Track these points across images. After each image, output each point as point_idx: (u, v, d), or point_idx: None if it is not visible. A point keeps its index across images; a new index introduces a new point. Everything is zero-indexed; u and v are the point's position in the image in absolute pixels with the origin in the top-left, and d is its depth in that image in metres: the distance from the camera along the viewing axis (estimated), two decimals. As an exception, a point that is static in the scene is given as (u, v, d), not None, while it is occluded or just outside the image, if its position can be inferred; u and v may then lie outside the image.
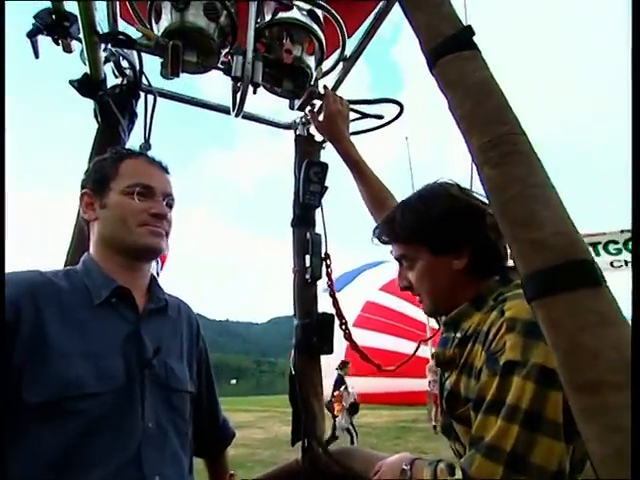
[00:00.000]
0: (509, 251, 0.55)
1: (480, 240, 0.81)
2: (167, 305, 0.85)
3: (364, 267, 16.70)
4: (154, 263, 0.93)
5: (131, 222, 0.79)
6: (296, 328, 1.34)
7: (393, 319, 13.45)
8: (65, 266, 0.95)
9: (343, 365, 7.39)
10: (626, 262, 6.28)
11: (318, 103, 1.31)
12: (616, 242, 6.35)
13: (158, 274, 1.65)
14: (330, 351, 1.32)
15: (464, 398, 0.79)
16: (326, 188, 1.37)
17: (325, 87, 1.28)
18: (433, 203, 0.83)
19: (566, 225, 0.49)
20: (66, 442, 0.61)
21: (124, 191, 0.80)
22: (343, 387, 7.19)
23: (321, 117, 1.29)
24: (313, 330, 1.31)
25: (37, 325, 0.65)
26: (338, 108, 1.25)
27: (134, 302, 0.77)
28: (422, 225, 0.83)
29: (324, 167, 1.35)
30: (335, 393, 7.16)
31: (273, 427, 8.54)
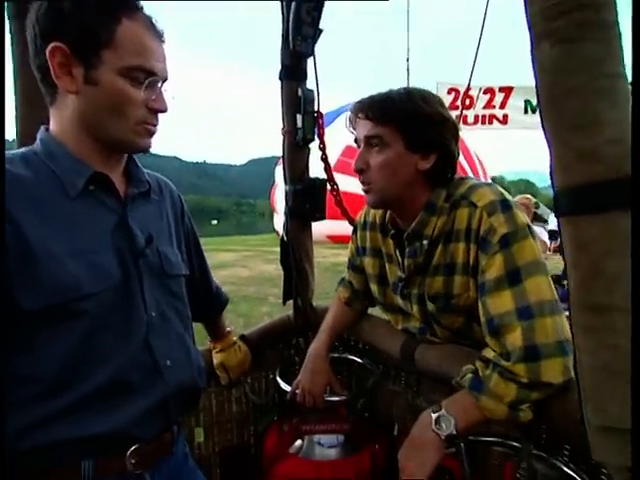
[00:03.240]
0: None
1: (446, 150, 0.87)
2: (150, 188, 0.76)
3: (344, 107, 15.89)
4: None
5: (130, 116, 0.64)
6: (287, 194, 1.30)
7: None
8: (19, 143, 0.80)
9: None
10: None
11: None
12: None
13: None
14: (322, 217, 1.32)
15: (445, 293, 0.89)
16: (321, 31, 1.16)
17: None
18: (424, 103, 0.85)
19: (627, 132, 0.41)
20: (75, 341, 0.61)
21: (123, 71, 0.62)
22: None
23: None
24: (305, 196, 1.28)
25: (15, 227, 0.57)
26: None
27: (114, 188, 0.69)
28: (409, 117, 0.84)
29: (319, 4, 1.11)
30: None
31: (256, 266, 9.28)
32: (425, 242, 0.89)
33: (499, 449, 0.81)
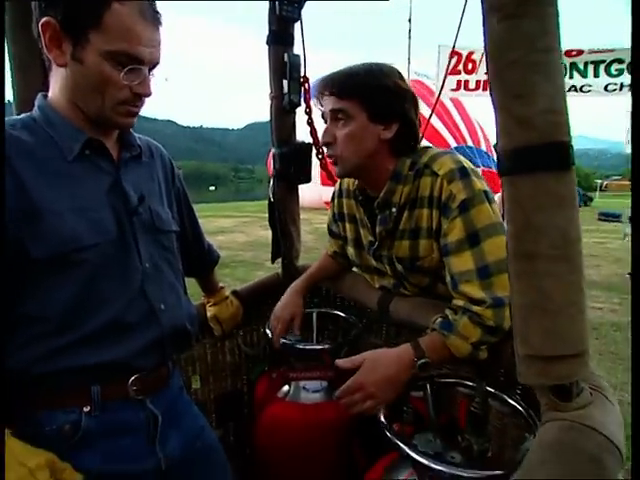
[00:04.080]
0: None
1: (407, 119, 0.93)
2: (141, 151, 0.82)
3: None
4: None
5: (109, 97, 0.68)
6: (273, 156, 1.35)
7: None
8: (17, 108, 0.84)
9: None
10: (622, 86, 6.10)
11: None
12: (621, 61, 6.01)
13: None
14: (307, 180, 1.37)
15: (411, 256, 0.97)
16: (307, -5, 1.17)
17: None
18: (384, 76, 0.92)
19: (560, 102, 0.47)
20: (76, 288, 0.68)
21: (107, 55, 0.65)
22: None
23: None
24: (291, 159, 1.33)
25: (20, 186, 0.64)
26: None
27: (108, 152, 0.74)
28: (371, 90, 0.90)
29: (306, -33, 1.11)
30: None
31: (253, 231, 9.36)
32: (394, 209, 0.96)
33: (459, 389, 0.91)
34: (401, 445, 0.72)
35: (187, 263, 0.93)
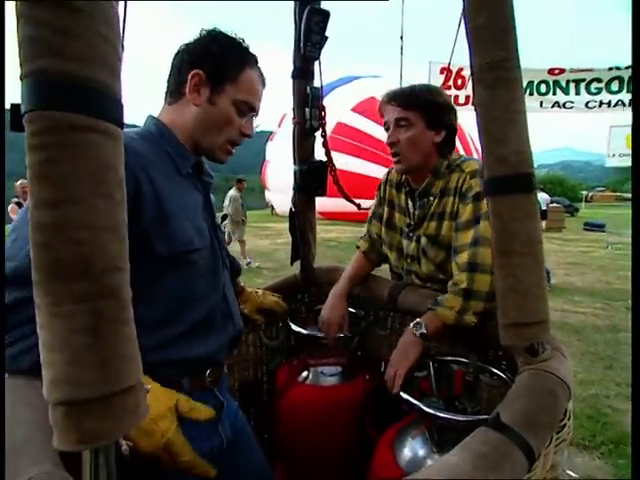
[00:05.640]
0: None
1: (452, 127, 1.22)
2: (213, 179, 0.99)
3: (337, 82, 15.86)
4: None
5: (225, 134, 0.87)
6: (295, 173, 1.55)
7: (362, 141, 13.74)
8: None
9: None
10: (601, 103, 6.46)
11: None
12: (600, 80, 6.38)
13: None
14: (323, 193, 1.57)
15: (435, 234, 1.22)
16: (326, 38, 1.38)
17: None
18: (437, 95, 1.20)
19: (525, 145, 0.68)
20: (181, 284, 0.80)
21: (236, 102, 0.85)
22: None
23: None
24: (309, 175, 1.53)
25: (154, 192, 0.75)
26: None
27: (201, 176, 0.92)
28: (430, 104, 1.17)
29: (326, 16, 1.33)
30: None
31: (250, 241, 9.50)
32: (432, 198, 1.22)
33: (456, 366, 1.11)
34: (415, 402, 0.91)
35: None
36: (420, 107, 1.16)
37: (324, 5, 1.35)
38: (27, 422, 0.49)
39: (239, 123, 0.88)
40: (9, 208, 5.29)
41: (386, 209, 1.39)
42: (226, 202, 7.76)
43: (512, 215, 0.69)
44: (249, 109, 0.88)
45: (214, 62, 0.84)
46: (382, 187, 1.43)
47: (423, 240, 1.25)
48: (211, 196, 0.99)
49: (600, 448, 2.31)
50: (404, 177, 1.31)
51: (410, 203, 1.30)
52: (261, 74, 0.90)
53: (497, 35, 0.68)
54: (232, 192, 7.73)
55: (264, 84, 0.92)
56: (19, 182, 5.46)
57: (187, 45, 0.86)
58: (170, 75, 0.87)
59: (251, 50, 0.89)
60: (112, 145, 0.42)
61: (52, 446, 0.38)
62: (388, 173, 1.42)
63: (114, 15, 0.41)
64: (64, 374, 0.38)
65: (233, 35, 0.88)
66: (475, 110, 0.72)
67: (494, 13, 0.67)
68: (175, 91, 0.87)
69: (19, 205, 5.32)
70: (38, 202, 0.39)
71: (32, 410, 0.51)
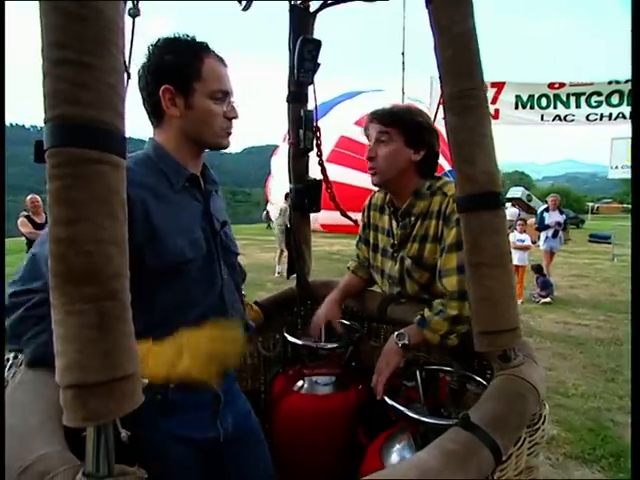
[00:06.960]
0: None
1: (432, 147, 1.25)
2: (218, 185, 1.05)
3: (341, 97, 16.10)
4: None
5: (216, 126, 0.91)
6: (290, 191, 1.62)
7: (364, 154, 13.85)
8: None
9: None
10: (602, 116, 6.54)
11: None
12: (600, 94, 6.46)
13: None
14: (318, 210, 1.64)
15: (419, 255, 1.25)
16: (318, 65, 1.46)
17: None
18: (418, 115, 1.25)
19: (492, 166, 0.75)
20: (176, 292, 0.86)
21: (209, 95, 0.88)
22: None
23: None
24: (304, 193, 1.60)
25: (145, 212, 0.81)
26: None
27: (200, 185, 0.96)
28: (410, 123, 1.22)
29: (318, 45, 1.41)
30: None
31: (253, 254, 9.58)
32: (413, 218, 1.25)
33: (441, 374, 1.16)
34: (399, 407, 0.96)
35: None
36: (399, 124, 1.20)
37: (317, 35, 1.44)
38: (41, 412, 0.61)
39: (221, 110, 0.91)
40: (19, 222, 5.41)
41: (371, 233, 1.43)
42: (276, 213, 8.51)
43: (481, 229, 0.75)
44: (223, 94, 0.91)
45: (175, 71, 0.87)
46: (365, 212, 1.46)
47: (407, 262, 1.28)
48: (217, 202, 1.03)
49: (600, 461, 2.31)
50: (388, 197, 1.34)
51: (394, 224, 1.32)
52: (218, 57, 0.92)
53: (464, 67, 0.75)
54: (282, 204, 8.27)
55: (225, 64, 0.93)
56: (29, 197, 5.59)
57: (144, 67, 0.89)
58: (143, 99, 0.92)
59: (197, 39, 0.91)
60: (116, 173, 0.51)
61: (61, 432, 0.45)
62: (371, 197, 1.46)
63: (119, 66, 0.49)
64: (74, 362, 0.46)
65: (176, 36, 0.90)
66: (447, 135, 0.79)
67: (460, 48, 0.74)
68: (155, 112, 0.92)
69: (28, 218, 5.44)
70: (56, 220, 0.47)
71: (46, 403, 0.63)
